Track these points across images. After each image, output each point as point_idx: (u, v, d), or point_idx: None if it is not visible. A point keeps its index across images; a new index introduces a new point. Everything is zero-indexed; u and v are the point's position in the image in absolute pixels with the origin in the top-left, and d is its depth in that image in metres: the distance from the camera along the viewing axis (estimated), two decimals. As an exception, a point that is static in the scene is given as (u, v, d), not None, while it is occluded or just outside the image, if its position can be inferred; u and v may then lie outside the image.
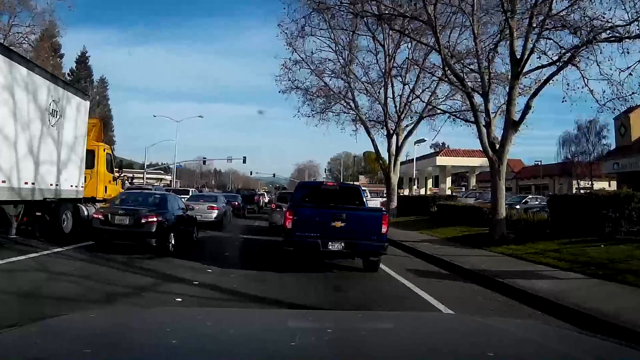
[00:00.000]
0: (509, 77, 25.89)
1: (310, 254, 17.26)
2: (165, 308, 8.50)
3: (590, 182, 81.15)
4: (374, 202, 47.51)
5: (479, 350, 3.36)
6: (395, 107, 44.90)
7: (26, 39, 57.00)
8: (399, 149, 45.71)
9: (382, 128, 47.06)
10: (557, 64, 23.01)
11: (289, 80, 44.68)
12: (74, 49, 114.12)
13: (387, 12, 28.33)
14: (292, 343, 3.34)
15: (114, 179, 29.12)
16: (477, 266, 17.93)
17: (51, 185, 21.88)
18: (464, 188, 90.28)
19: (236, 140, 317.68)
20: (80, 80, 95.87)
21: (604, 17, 21.70)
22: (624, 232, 20.78)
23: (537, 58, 24.37)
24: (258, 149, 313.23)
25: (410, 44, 41.61)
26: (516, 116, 24.61)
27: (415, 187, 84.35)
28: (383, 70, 44.04)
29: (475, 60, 27.89)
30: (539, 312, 12.11)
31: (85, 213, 24.62)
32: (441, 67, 29.52)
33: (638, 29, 20.87)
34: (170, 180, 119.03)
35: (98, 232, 19.69)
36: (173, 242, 20.57)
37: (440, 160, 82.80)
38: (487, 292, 14.64)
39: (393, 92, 44.99)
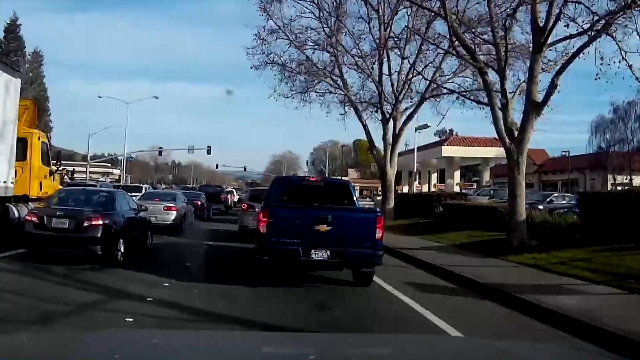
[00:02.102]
0: (530, 49, 25.96)
1: (288, 264, 17.26)
2: (114, 330, 8.50)
3: (628, 177, 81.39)
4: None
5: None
6: (392, 85, 45.01)
7: (-58, 3, 56.53)
8: (396, 136, 45.78)
9: (376, 111, 47.11)
10: (589, 33, 23.05)
11: (263, 53, 44.65)
12: (2, 17, 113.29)
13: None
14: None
15: (51, 173, 28.87)
16: (492, 279, 18.01)
17: (-27, 181, 21.71)
18: (475, 184, 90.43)
19: (199, 127, 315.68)
20: (10, 53, 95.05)
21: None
22: (670, 237, 20.88)
23: (565, 26, 24.37)
24: (226, 138, 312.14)
25: (410, 9, 41.56)
26: (539, 97, 24.67)
27: (416, 182, 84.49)
28: (377, 42, 44.02)
29: (489, 29, 27.97)
30: (566, 334, 12.16)
31: (16, 215, 24.38)
32: (448, 37, 29.56)
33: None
34: (119, 175, 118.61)
35: (31, 237, 19.52)
36: (122, 249, 20.49)
37: (447, 151, 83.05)
38: (504, 311, 14.70)
39: (389, 68, 45.12)
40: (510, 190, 25.80)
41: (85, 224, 19.28)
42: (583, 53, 23.50)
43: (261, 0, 41.37)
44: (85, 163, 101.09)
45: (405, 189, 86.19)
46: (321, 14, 44.18)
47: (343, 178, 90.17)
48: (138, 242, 23.24)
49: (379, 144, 47.85)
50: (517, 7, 26.29)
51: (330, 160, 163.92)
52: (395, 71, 44.86)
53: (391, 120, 45.12)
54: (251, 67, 45.34)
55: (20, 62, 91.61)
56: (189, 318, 12.65)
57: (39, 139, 27.24)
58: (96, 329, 9.99)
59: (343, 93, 46.74)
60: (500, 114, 25.51)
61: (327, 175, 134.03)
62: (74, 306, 12.86)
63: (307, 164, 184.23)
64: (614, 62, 23.29)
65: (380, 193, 58.35)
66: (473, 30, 30.87)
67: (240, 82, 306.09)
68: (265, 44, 44.06)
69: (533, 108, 24.44)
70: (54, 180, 29.08)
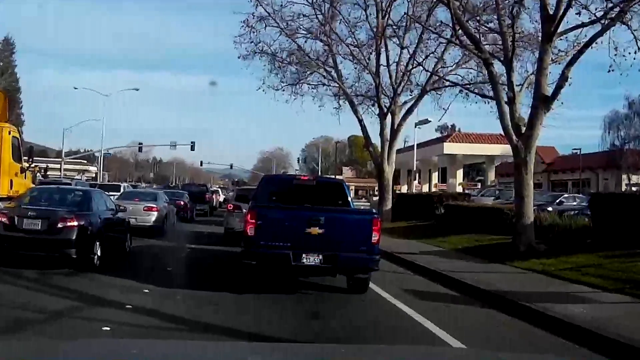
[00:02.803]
0: (539, 39, 25.96)
1: (278, 269, 17.28)
2: (90, 340, 8.51)
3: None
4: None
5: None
6: (391, 77, 44.96)
7: None
8: (395, 132, 45.75)
9: (372, 105, 47.09)
10: (602, 21, 23.05)
11: (252, 42, 44.39)
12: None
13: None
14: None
15: (22, 170, 28.81)
16: (496, 286, 18.03)
17: (-63, 178, 21.64)
18: (479, 184, 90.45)
19: (183, 121, 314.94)
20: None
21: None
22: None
23: (576, 14, 24.35)
24: (211, 133, 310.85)
25: (410, -5, 41.55)
26: (548, 90, 24.65)
27: (415, 182, 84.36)
28: (374, 30, 43.97)
29: (495, 17, 27.97)
30: (575, 344, 12.21)
31: (-16, 215, 24.39)
32: (450, 25, 29.56)
33: None
34: (96, 173, 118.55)
35: (1, 239, 19.34)
36: (99, 253, 20.41)
37: (449, 148, 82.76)
38: (509, 320, 14.74)
39: (387, 59, 45.07)
40: (517, 191, 25.80)
41: (59, 225, 19.19)
42: (596, 43, 23.52)
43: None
44: (60, 159, 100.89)
45: (404, 189, 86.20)
46: (314, 0, 44.06)
47: (337, 177, 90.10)
48: (116, 245, 23.18)
49: (375, 140, 47.96)
50: (525, -7, 26.28)
51: (323, 157, 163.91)
52: (394, 62, 44.92)
53: (389, 114, 45.07)
54: (239, 57, 45.05)
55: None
56: (170, 327, 12.64)
57: (9, 133, 27.16)
58: (71, 338, 9.98)
59: (337, 85, 46.66)
60: (506, 108, 25.49)
61: (319, 173, 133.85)
62: (47, 314, 12.86)
63: (298, 162, 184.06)
64: (629, 53, 23.39)
65: (376, 193, 58.18)
66: (478, 18, 30.88)
67: (226, 73, 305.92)
68: (254, 32, 43.78)
69: (542, 102, 24.41)
70: (25, 178, 28.99)
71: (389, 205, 45.92)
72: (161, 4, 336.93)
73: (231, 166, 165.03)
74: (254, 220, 16.52)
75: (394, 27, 44.24)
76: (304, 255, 16.25)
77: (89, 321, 12.67)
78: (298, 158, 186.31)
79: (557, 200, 48.02)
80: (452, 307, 16.33)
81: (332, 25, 44.47)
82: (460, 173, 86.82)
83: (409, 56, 43.24)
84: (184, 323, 12.92)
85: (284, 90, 47.05)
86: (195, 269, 21.58)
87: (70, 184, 43.37)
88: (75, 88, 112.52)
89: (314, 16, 44.66)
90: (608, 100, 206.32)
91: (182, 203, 48.18)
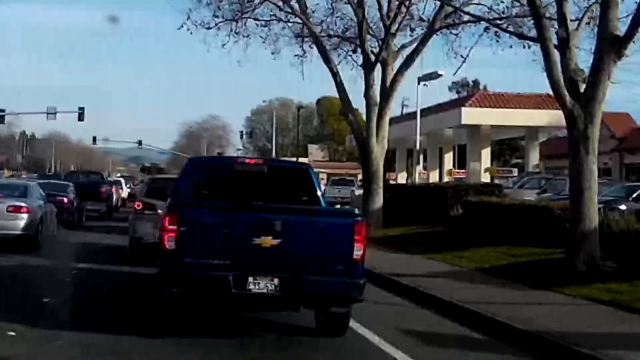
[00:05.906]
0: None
1: (212, 299, 17.12)
2: None
3: None
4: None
5: None
6: (381, 9, 44.80)
7: None
8: (387, 92, 45.56)
9: (354, 51, 47.04)
10: None
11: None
12: None
13: None
14: None
15: None
16: (541, 324, 18.03)
17: None
18: (515, 170, 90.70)
19: (65, 77, 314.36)
20: None
21: None
22: None
23: None
24: (109, 96, 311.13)
25: None
26: (619, 27, 24.57)
27: (419, 167, 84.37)
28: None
29: None
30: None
31: None
32: None
33: None
34: None
35: None
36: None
37: (470, 115, 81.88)
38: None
39: (376, -18, 44.87)
40: (574, 181, 25.72)
41: None
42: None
43: None
44: None
45: (402, 178, 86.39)
46: None
47: (300, 159, 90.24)
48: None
49: (359, 104, 47.91)
50: None
51: (280, 130, 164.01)
52: (385, -14, 44.76)
53: (378, 65, 44.87)
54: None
55: None
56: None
57: None
58: None
59: (300, 21, 46.48)
60: (557, 55, 25.38)
61: (273, 155, 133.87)
62: None
63: (242, 137, 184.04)
64: None
65: (360, 184, 58.34)
66: None
67: (132, 5, 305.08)
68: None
69: (610, 45, 24.25)
70: None
71: (379, 202, 45.88)
72: None
73: (140, 144, 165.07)
74: (174, 227, 16.23)
75: None
76: (250, 278, 16.04)
77: None
78: (241, 132, 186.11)
79: (634, 195, 48.21)
80: (475, 357, 16.35)
81: None
82: (486, 153, 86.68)
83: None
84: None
85: (219, 29, 46.88)
86: (87, 300, 21.41)
87: None
88: None
89: None
90: None
91: (65, 200, 48.06)
